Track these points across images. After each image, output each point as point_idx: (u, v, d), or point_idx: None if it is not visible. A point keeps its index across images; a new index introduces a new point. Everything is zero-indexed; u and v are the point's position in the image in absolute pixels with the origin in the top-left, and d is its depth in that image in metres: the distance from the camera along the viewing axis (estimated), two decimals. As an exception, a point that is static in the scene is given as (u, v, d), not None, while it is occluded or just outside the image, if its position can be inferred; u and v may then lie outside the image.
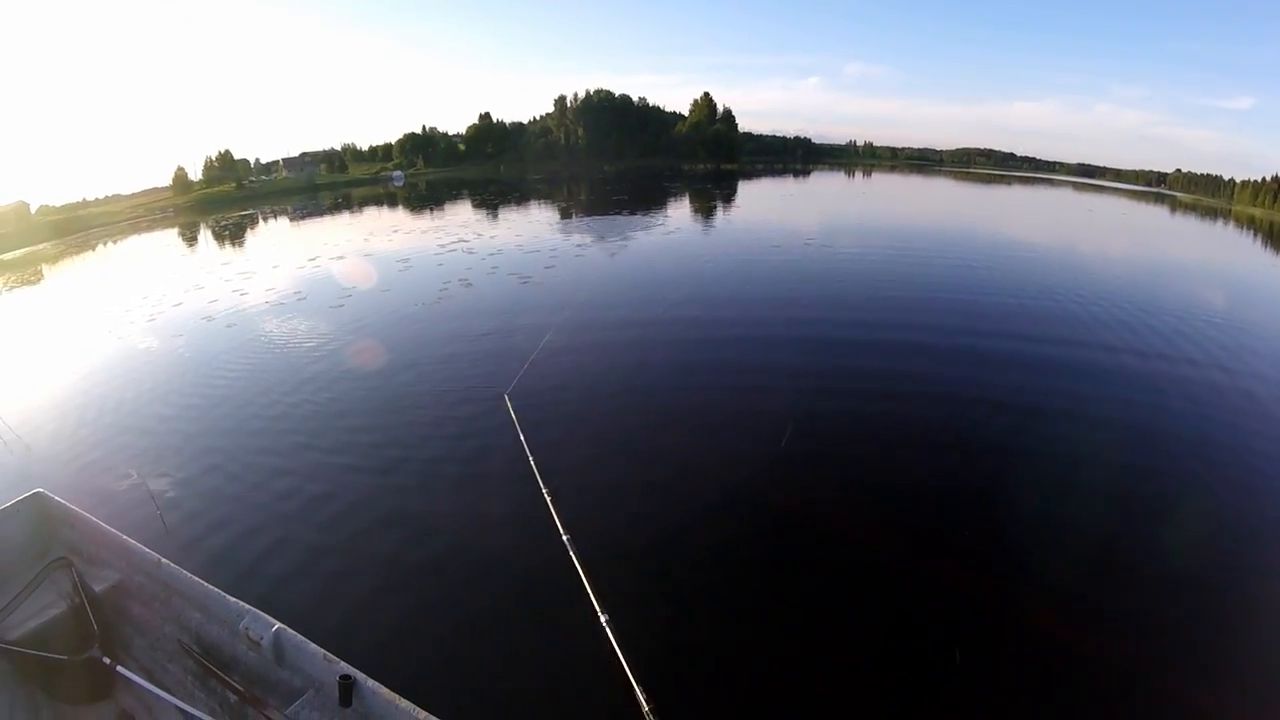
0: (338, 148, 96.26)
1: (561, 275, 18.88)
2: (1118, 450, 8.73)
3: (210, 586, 3.76)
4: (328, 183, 76.28)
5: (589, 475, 7.83)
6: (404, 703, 3.06)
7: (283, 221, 41.62)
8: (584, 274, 19.44)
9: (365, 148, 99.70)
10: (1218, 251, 37.39)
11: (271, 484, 7.67)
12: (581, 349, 12.36)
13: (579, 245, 24.50)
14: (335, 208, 48.94)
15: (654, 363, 11.91)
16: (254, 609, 3.56)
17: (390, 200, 53.94)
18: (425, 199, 52.26)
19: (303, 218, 42.48)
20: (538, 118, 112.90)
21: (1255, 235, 53.32)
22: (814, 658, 5.35)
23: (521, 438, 6.73)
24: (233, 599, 3.65)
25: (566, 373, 11.13)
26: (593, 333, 13.47)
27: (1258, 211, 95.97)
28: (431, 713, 3.01)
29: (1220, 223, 67.13)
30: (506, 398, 8.43)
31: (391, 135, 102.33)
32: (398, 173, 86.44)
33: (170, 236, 36.07)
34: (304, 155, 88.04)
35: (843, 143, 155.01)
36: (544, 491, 5.33)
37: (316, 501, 7.30)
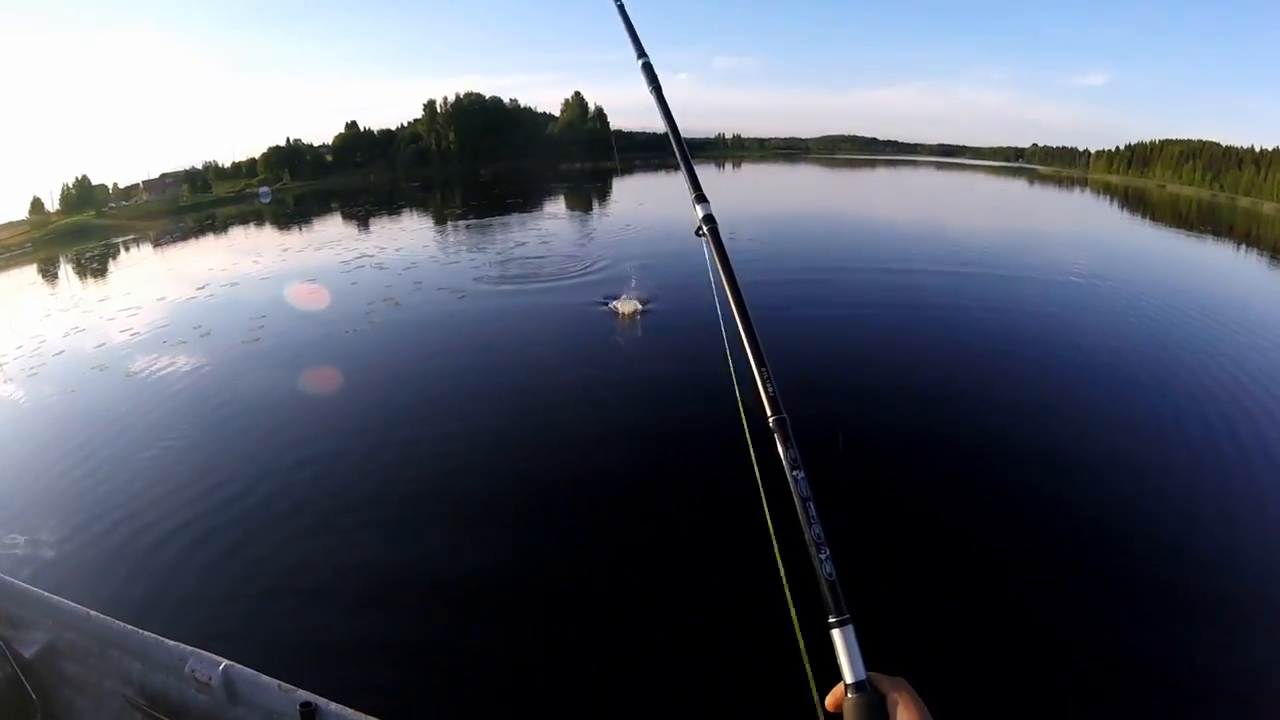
0: (199, 166, 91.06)
1: (499, 287, 18.16)
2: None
3: (146, 633, 3.49)
4: (192, 204, 72.18)
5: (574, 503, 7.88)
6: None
7: (151, 248, 39.47)
8: (526, 280, 18.99)
9: (228, 164, 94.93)
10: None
11: (192, 527, 7.56)
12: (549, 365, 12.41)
13: (499, 252, 24.16)
14: (202, 229, 46.80)
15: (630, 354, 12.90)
16: (197, 649, 3.32)
17: (258, 218, 51.77)
18: (297, 215, 50.67)
19: (172, 242, 40.68)
20: (407, 124, 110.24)
21: (1112, 200, 60.38)
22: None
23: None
24: (172, 642, 3.40)
25: (536, 372, 11.90)
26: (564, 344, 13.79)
27: (1114, 178, 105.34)
28: None
29: (1081, 191, 73.70)
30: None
31: (255, 149, 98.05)
32: (264, 188, 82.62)
33: (31, 275, 33.53)
34: (164, 176, 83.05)
35: (712, 136, 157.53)
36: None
37: (246, 537, 7.32)
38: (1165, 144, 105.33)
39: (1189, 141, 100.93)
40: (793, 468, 1.41)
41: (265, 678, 3.14)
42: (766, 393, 1.52)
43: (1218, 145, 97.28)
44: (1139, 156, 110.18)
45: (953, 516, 7.56)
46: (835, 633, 1.23)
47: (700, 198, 1.94)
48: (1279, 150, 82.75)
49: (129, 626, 3.52)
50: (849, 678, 1.20)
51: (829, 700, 1.24)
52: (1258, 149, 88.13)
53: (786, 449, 1.44)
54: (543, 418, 9.86)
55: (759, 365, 1.56)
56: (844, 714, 1.20)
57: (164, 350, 14.32)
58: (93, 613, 3.61)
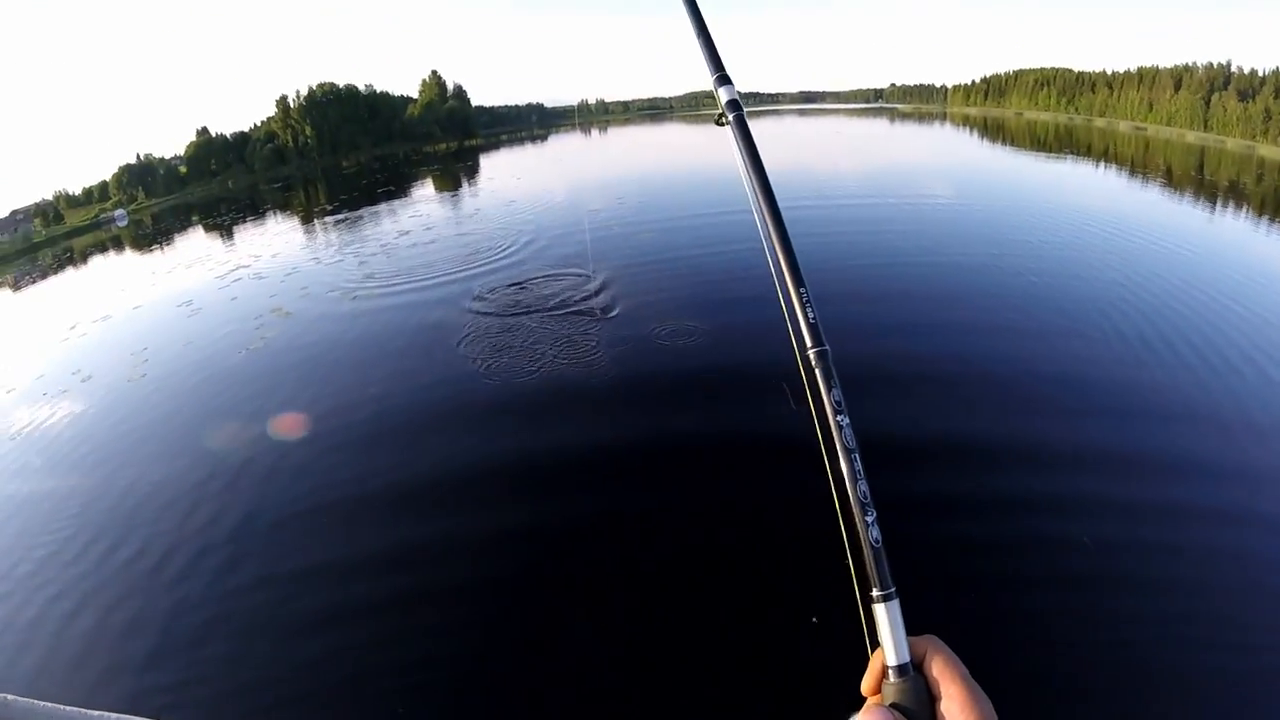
0: (49, 197, 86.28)
1: (392, 283, 17.77)
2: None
3: None
4: (46, 238, 68.58)
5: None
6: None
7: (11, 292, 37.32)
8: (420, 274, 18.51)
9: (79, 191, 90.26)
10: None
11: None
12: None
13: (383, 245, 23.47)
14: (61, 264, 45.01)
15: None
16: None
17: (117, 244, 49.67)
18: (158, 234, 48.63)
19: (33, 282, 39.08)
20: (259, 123, 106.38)
21: (972, 130, 64.22)
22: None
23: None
24: None
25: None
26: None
27: (972, 110, 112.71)
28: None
29: (942, 125, 78.51)
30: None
31: (105, 171, 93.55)
32: (120, 211, 79.12)
33: None
34: (14, 214, 78.47)
35: (574, 103, 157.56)
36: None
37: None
38: (1020, 74, 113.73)
39: (1042, 70, 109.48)
40: (836, 412, 1.16)
41: None
42: (807, 319, 1.24)
43: (1070, 71, 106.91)
44: (994, 87, 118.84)
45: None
46: (879, 608, 1.06)
47: (723, 78, 1.51)
48: (1130, 72, 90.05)
49: None
50: (893, 660, 1.03)
51: (865, 684, 1.07)
52: (1109, 72, 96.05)
53: (829, 389, 1.17)
54: (524, 415, 9.96)
55: (797, 286, 1.27)
56: (884, 698, 1.03)
57: (43, 401, 13.50)
58: None
